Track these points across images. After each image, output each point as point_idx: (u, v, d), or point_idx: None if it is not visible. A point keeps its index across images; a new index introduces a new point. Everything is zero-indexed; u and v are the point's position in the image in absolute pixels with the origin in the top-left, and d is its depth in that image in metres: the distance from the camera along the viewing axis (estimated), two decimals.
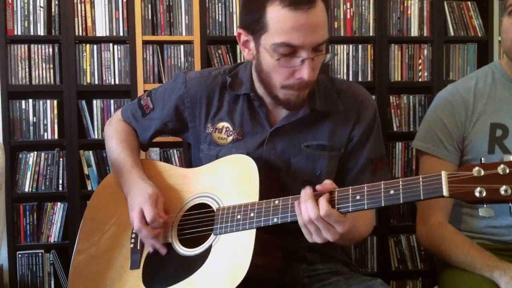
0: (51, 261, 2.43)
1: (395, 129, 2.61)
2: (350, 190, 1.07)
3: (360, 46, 2.58)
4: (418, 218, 1.54)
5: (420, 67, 2.62)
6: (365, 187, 1.05)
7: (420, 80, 2.63)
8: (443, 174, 0.96)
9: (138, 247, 1.33)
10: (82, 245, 1.42)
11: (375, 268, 2.61)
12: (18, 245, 2.41)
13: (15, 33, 2.39)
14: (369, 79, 2.58)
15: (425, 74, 2.62)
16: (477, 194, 0.93)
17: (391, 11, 2.60)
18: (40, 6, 2.40)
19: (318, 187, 1.09)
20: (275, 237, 1.21)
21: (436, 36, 2.61)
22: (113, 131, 1.50)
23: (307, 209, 1.06)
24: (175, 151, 2.47)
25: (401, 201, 1.01)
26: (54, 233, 2.43)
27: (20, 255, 2.40)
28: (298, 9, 1.14)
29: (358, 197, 1.05)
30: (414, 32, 2.62)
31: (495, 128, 1.47)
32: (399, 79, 2.61)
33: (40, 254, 2.41)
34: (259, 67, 1.26)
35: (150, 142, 1.52)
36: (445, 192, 0.95)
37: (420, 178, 0.99)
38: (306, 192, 1.08)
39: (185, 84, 1.41)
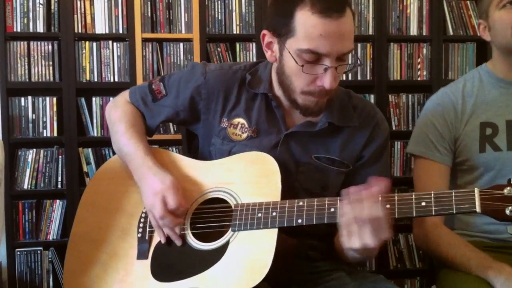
0: (50, 259, 2.43)
1: (394, 128, 2.61)
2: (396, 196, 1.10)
3: (359, 45, 2.57)
4: (414, 220, 1.54)
5: (419, 66, 2.63)
6: (396, 196, 1.10)
7: (419, 79, 2.63)
8: (476, 191, 1.03)
9: (147, 237, 1.29)
10: (79, 228, 1.37)
11: (373, 267, 2.61)
12: (17, 243, 2.42)
13: (15, 30, 2.39)
14: (368, 78, 2.59)
15: (424, 73, 2.63)
16: (507, 212, 1.01)
17: (391, 10, 2.60)
18: (40, 3, 2.40)
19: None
20: (281, 235, 1.19)
21: (435, 35, 2.61)
22: (121, 114, 1.42)
23: (365, 208, 1.02)
24: (174, 149, 2.47)
25: (433, 214, 1.07)
26: (53, 230, 2.43)
27: (18, 253, 2.40)
28: (328, 17, 1.14)
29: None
30: (413, 31, 2.62)
31: (485, 127, 1.49)
32: (398, 78, 2.62)
33: (38, 252, 2.41)
34: (281, 70, 1.25)
35: (157, 128, 1.47)
36: (478, 208, 1.02)
37: (453, 193, 1.06)
38: (364, 191, 1.05)
39: (204, 75, 1.37)
